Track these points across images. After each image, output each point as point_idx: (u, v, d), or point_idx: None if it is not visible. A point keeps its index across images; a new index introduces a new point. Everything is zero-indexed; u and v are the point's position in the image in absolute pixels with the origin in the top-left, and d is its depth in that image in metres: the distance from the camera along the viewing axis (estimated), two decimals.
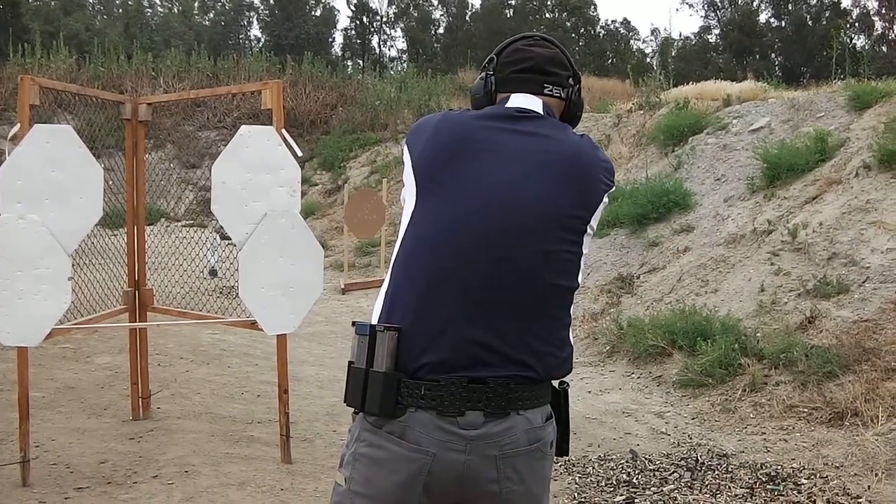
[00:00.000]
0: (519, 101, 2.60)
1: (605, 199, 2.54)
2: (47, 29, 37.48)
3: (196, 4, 60.24)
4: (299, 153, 5.83)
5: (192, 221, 19.77)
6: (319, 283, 6.00)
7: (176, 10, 58.54)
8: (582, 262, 2.50)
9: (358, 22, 64.44)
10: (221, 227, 6.09)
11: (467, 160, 2.43)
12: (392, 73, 41.03)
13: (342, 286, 14.87)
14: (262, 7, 60.59)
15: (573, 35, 61.58)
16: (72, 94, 6.54)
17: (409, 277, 2.37)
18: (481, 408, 2.27)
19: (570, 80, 2.69)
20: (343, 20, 68.45)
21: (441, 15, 65.64)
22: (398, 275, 2.41)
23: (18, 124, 5.68)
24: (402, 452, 2.28)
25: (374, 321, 2.39)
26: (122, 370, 8.58)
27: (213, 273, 14.89)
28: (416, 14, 64.75)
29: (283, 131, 5.87)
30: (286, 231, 5.87)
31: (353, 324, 2.40)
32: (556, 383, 2.49)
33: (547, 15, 63.35)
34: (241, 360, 9.77)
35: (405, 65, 52.77)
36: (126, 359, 8.22)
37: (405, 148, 2.57)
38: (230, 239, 6.46)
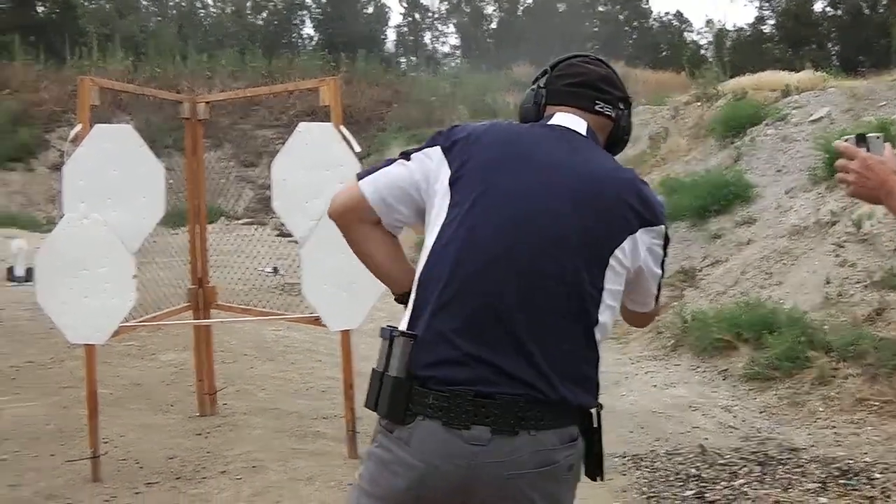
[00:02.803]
0: (563, 119, 2.56)
1: (649, 239, 2.48)
2: (103, 31, 37.83)
3: (249, 4, 60.47)
4: (357, 149, 5.84)
5: (251, 219, 19.98)
6: None
7: (229, 10, 58.81)
8: (605, 299, 2.40)
9: (410, 19, 64.43)
10: (282, 224, 6.13)
11: (504, 175, 2.41)
12: (445, 69, 41.07)
13: None
14: (314, 6, 60.79)
15: (626, 28, 61.13)
16: (129, 94, 6.61)
17: (431, 287, 2.36)
18: (489, 423, 2.23)
19: (621, 103, 2.64)
20: (395, 17, 68.62)
21: (493, 10, 65.42)
22: (422, 282, 2.40)
23: (80, 125, 5.75)
24: (405, 458, 2.28)
25: (402, 325, 2.39)
26: (186, 367, 8.67)
27: (274, 270, 14.99)
28: (468, 10, 64.59)
29: (342, 127, 5.89)
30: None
31: (383, 327, 2.40)
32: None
33: (600, 8, 62.90)
34: (305, 357, 9.82)
35: (458, 61, 52.78)
36: (190, 356, 8.31)
37: (437, 149, 2.51)
38: (289, 236, 6.50)
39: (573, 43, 47.20)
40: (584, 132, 2.54)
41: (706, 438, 6.99)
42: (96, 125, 5.67)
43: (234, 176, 22.70)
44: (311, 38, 59.30)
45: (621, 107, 2.63)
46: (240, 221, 18.64)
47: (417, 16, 63.96)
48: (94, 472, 5.80)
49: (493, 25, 64.84)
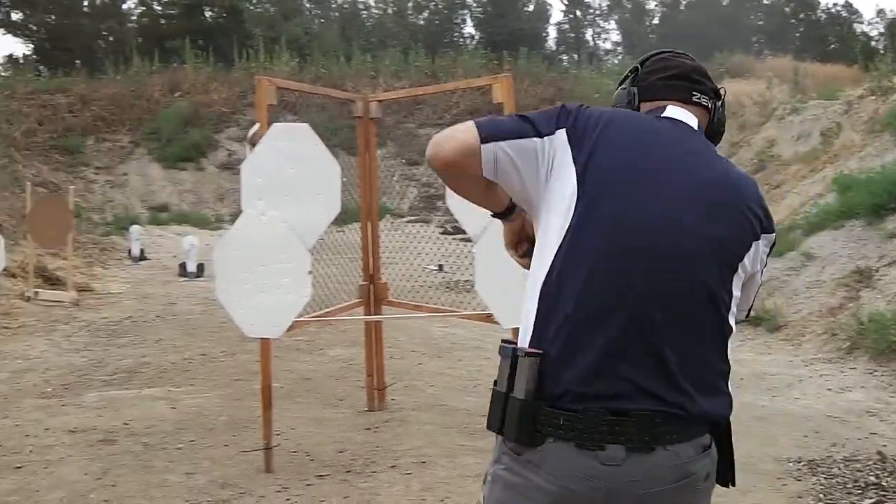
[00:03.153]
0: (676, 112, 2.46)
1: (763, 246, 2.39)
2: (268, 34, 38.72)
3: (410, 4, 61.09)
4: None
5: (415, 217, 20.15)
6: None
7: (390, 10, 59.52)
8: (732, 306, 2.33)
9: (571, 16, 64.13)
10: (447, 222, 6.16)
11: (636, 177, 2.27)
12: (607, 65, 40.70)
13: None
14: (475, 4, 61.01)
15: (793, 21, 59.58)
16: (303, 93, 6.72)
17: (560, 302, 2.22)
18: (623, 442, 2.14)
19: (714, 94, 2.55)
20: (556, 14, 68.32)
21: (655, 5, 64.69)
22: (549, 296, 2.24)
23: (258, 124, 5.88)
24: (538, 483, 2.18)
25: (523, 342, 2.27)
26: (354, 362, 8.81)
27: (439, 267, 15.09)
28: (629, 5, 63.99)
29: None
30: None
31: (502, 343, 2.31)
32: None
33: (765, 1, 61.53)
34: (473, 354, 9.86)
35: (619, 57, 52.29)
36: (358, 351, 8.44)
37: (563, 133, 2.32)
38: (455, 234, 6.51)
39: (737, 37, 46.29)
40: (696, 126, 2.46)
41: (885, 445, 6.70)
42: (274, 124, 5.79)
43: (398, 174, 22.92)
44: (472, 36, 59.55)
45: (715, 98, 2.55)
46: (404, 219, 18.81)
47: (579, 12, 63.58)
48: (267, 463, 5.94)
49: (655, 21, 64.03)
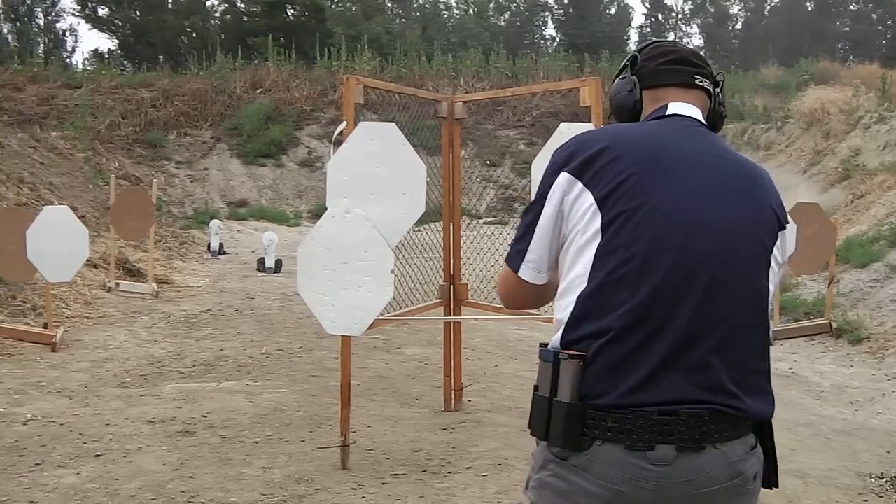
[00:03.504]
0: (679, 108, 2.43)
1: (787, 236, 2.39)
2: (349, 33, 38.96)
3: (491, 6, 61.14)
4: None
5: (492, 219, 20.07)
6: None
7: (471, 11, 59.59)
8: (770, 301, 2.34)
9: (653, 19, 63.77)
10: None
11: (652, 181, 2.25)
12: None
13: None
14: (556, 7, 60.91)
15: (879, 27, 58.66)
16: (386, 92, 6.73)
17: (604, 310, 2.19)
18: (673, 441, 2.12)
19: (714, 78, 2.53)
20: (638, 17, 67.93)
21: (738, 10, 64.03)
22: (588, 304, 2.22)
23: (344, 122, 5.90)
24: (587, 487, 2.16)
25: (556, 342, 2.26)
26: (430, 362, 8.81)
27: None
28: (712, 9, 63.40)
29: None
30: None
31: (540, 346, 2.29)
32: None
33: (851, 7, 60.58)
34: None
35: None
36: (434, 351, 8.44)
37: (565, 176, 2.31)
38: None
39: (822, 43, 45.64)
40: (700, 117, 2.44)
41: None
42: (361, 123, 5.80)
43: (476, 175, 22.89)
44: (552, 38, 59.44)
45: (714, 84, 2.52)
46: (482, 220, 18.81)
47: (661, 16, 63.16)
48: (343, 460, 5.95)
49: (738, 25, 63.36)
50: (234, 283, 14.81)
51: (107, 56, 42.80)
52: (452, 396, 7.35)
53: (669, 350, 2.16)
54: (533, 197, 2.45)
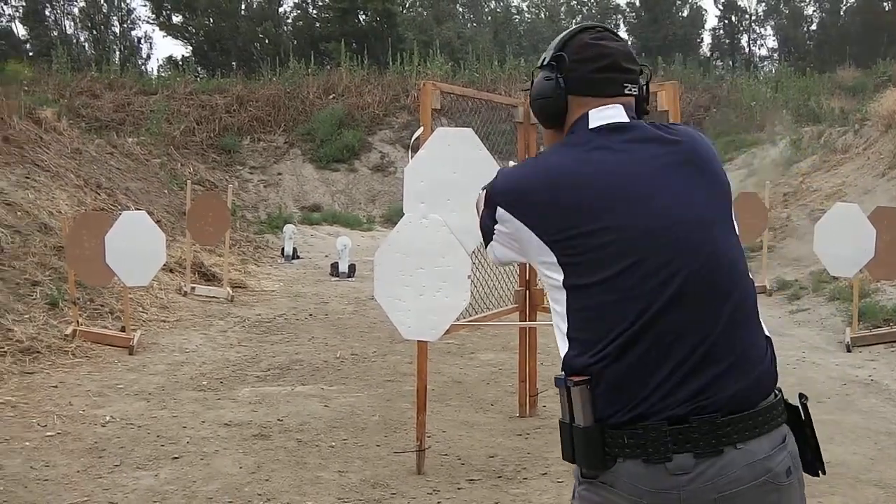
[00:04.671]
0: (601, 115, 2.37)
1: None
2: (421, 38, 39.09)
3: (563, 9, 60.95)
4: None
5: None
6: None
7: (543, 15, 59.45)
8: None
9: (726, 21, 63.05)
10: None
11: (603, 203, 2.25)
12: (762, 72, 39.88)
13: None
14: (628, 10, 60.59)
15: None
16: (459, 97, 6.72)
17: (595, 340, 2.21)
18: (690, 449, 2.13)
19: (641, 77, 2.48)
20: (711, 19, 67.21)
21: (814, 11, 63.08)
22: (579, 338, 2.26)
23: (421, 127, 5.90)
24: (614, 500, 2.20)
25: (564, 371, 2.28)
26: (504, 367, 8.79)
27: None
28: (786, 11, 62.53)
29: None
30: None
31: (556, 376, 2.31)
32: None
33: None
34: None
35: (776, 64, 51.20)
36: (508, 356, 8.42)
37: (504, 211, 2.35)
38: None
39: None
40: (627, 119, 2.38)
41: None
42: (438, 128, 5.80)
43: None
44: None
45: (641, 81, 2.48)
46: None
47: (734, 18, 62.45)
48: (419, 465, 5.96)
49: (813, 26, 62.46)
50: (307, 288, 14.90)
51: (181, 63, 43.23)
52: (527, 402, 7.32)
53: (668, 362, 2.18)
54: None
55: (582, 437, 2.20)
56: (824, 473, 2.34)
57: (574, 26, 2.54)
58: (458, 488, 5.72)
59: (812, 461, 2.31)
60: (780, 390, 2.32)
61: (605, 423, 2.19)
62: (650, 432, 2.14)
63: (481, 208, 2.49)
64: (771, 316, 11.65)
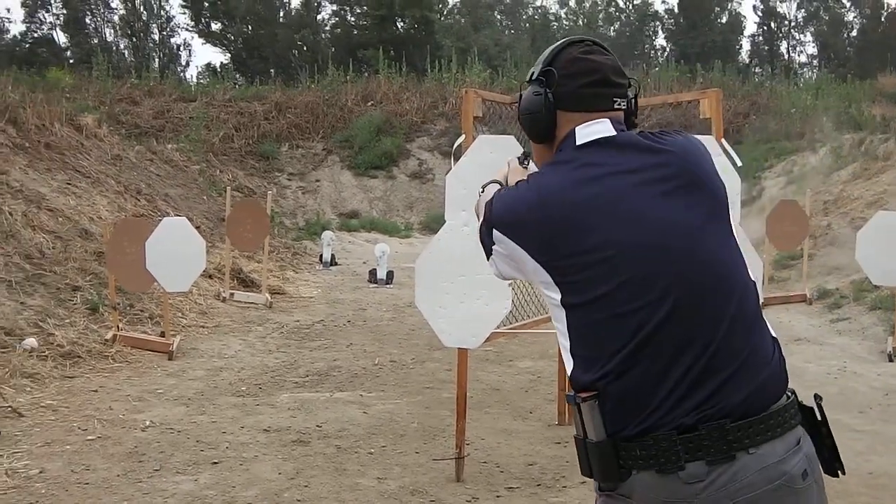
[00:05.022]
0: (588, 131, 2.38)
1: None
2: (459, 45, 39.15)
3: (601, 16, 60.93)
4: (739, 163, 5.64)
5: None
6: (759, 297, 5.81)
7: (581, 22, 59.42)
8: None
9: (765, 28, 62.73)
10: None
11: (593, 222, 2.27)
12: (802, 79, 39.63)
13: (762, 300, 14.16)
14: (666, 17, 60.41)
15: None
16: (502, 104, 6.72)
17: (598, 357, 2.24)
18: (701, 456, 2.14)
19: (629, 90, 2.47)
20: (750, 26, 66.88)
21: (854, 17, 62.63)
22: (583, 356, 2.28)
23: (463, 135, 5.89)
24: None
25: (578, 383, 2.28)
26: (543, 375, 8.77)
27: None
28: (826, 17, 62.12)
29: (723, 141, 5.72)
30: None
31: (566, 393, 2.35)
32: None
33: None
34: None
35: (815, 70, 50.88)
36: (546, 364, 8.40)
37: (501, 234, 2.39)
38: None
39: None
40: (614, 132, 2.37)
41: None
42: (480, 135, 5.79)
43: None
44: (663, 48, 58.92)
45: (630, 95, 2.47)
46: None
47: (773, 24, 62.11)
48: (458, 472, 5.95)
49: (853, 33, 62.00)
50: (345, 294, 14.92)
51: (219, 70, 43.54)
52: (566, 410, 7.28)
53: (672, 375, 2.19)
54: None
55: (596, 452, 2.23)
56: (843, 473, 2.33)
57: (562, 40, 2.55)
58: (497, 496, 5.70)
59: (830, 461, 2.31)
60: (792, 392, 2.32)
61: (617, 437, 2.21)
62: (661, 443, 2.16)
63: (481, 215, 2.53)
64: (811, 325, 11.58)
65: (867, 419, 7.45)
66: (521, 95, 2.55)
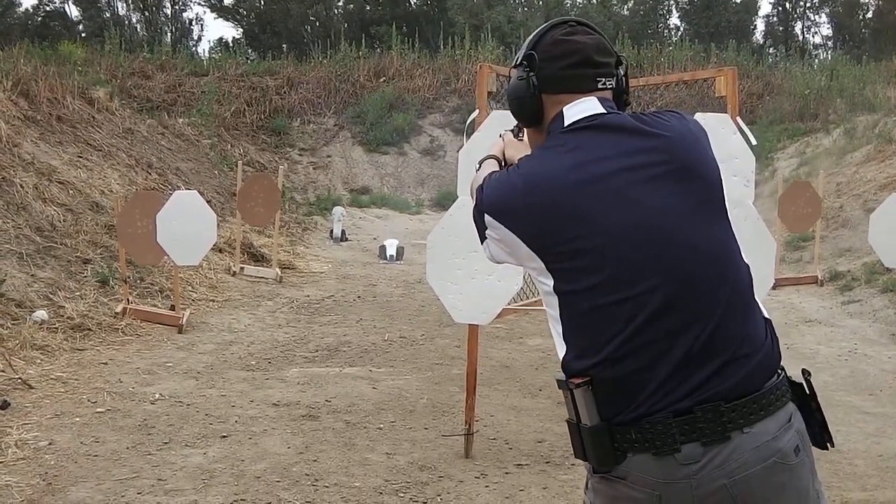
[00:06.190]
0: (576, 110, 2.37)
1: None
2: (472, 22, 38.97)
3: None
4: (754, 142, 5.58)
5: None
6: (770, 277, 5.78)
7: (594, 0, 59.17)
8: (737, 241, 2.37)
9: (780, 8, 62.36)
10: None
11: (583, 209, 2.26)
12: (817, 60, 39.39)
13: (773, 281, 14.13)
14: None
15: None
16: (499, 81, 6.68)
17: (592, 344, 2.24)
18: (697, 438, 2.16)
19: (617, 68, 2.45)
20: (765, 6, 66.46)
21: None
22: (576, 343, 2.28)
23: (477, 110, 5.86)
24: (630, 493, 2.22)
25: (571, 369, 2.28)
26: (553, 352, 8.64)
27: None
28: None
29: (738, 119, 5.67)
30: (738, 222, 5.65)
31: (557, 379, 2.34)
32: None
33: None
34: None
35: (830, 52, 50.61)
36: None
37: (493, 219, 2.38)
38: None
39: None
40: (603, 110, 2.36)
41: None
42: (493, 111, 5.76)
43: None
44: (677, 28, 58.60)
45: (618, 72, 2.46)
46: None
47: (788, 5, 61.77)
48: (467, 449, 5.96)
49: (869, 14, 61.65)
50: (356, 270, 14.91)
51: (232, 45, 43.43)
52: None
53: (666, 361, 2.20)
54: None
55: (590, 436, 2.23)
56: (833, 446, 2.36)
57: (546, 22, 2.54)
58: (506, 472, 5.71)
59: (819, 434, 2.33)
60: (783, 369, 2.32)
61: (612, 422, 2.22)
62: (657, 426, 2.17)
63: (474, 197, 2.53)
64: (823, 307, 11.55)
65: (877, 401, 7.43)
66: (508, 80, 2.55)
